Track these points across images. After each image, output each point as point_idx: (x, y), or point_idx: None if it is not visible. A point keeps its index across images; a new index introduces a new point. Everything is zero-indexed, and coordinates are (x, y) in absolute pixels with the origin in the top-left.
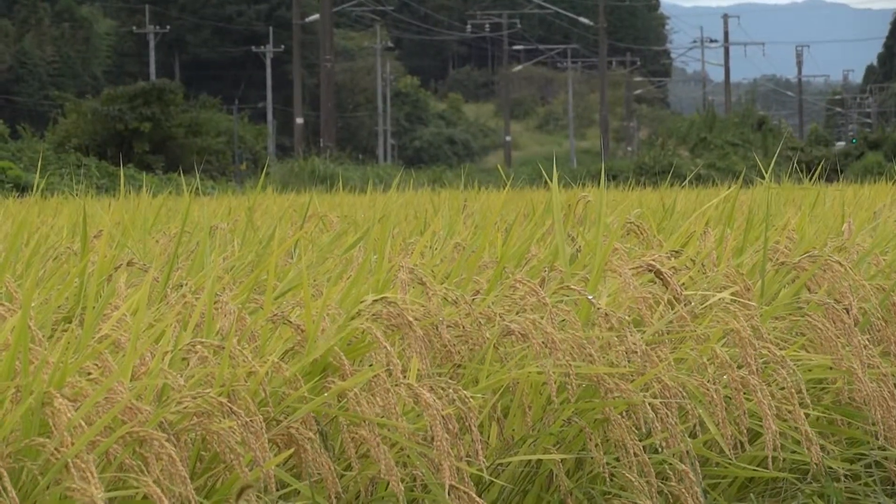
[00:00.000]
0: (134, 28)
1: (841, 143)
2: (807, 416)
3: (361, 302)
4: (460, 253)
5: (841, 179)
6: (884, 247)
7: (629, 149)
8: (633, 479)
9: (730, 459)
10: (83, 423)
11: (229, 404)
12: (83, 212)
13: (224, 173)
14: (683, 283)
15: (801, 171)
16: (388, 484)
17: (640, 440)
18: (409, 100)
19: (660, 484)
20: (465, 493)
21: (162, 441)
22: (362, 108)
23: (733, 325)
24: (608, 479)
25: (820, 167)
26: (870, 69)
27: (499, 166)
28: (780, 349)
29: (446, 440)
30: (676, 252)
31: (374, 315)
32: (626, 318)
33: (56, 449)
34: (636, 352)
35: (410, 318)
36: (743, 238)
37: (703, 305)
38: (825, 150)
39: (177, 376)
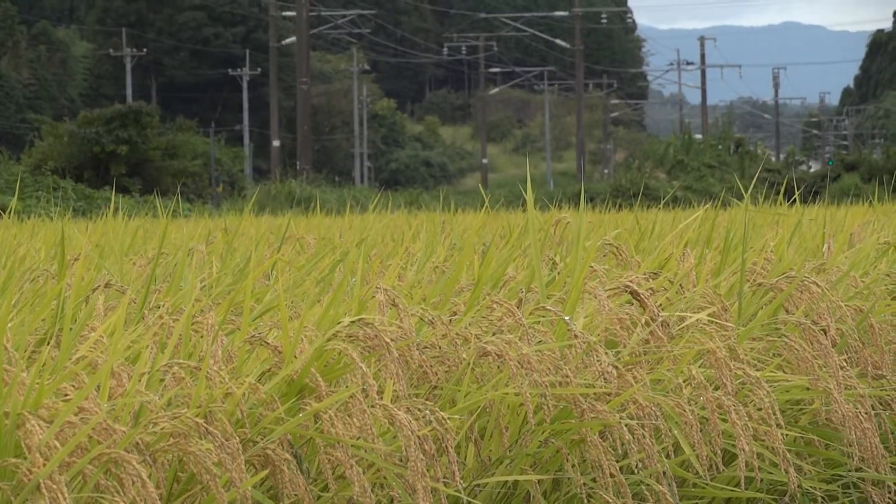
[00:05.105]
0: (111, 51)
1: (811, 167)
2: (784, 436)
3: (338, 323)
4: (438, 275)
5: (819, 201)
6: (862, 268)
7: (606, 171)
8: (610, 500)
9: (707, 481)
10: (57, 444)
11: (206, 425)
12: (61, 234)
13: (201, 196)
14: (661, 304)
15: (780, 194)
16: None
17: (617, 461)
18: (385, 122)
19: None
20: None
21: (133, 463)
22: (339, 130)
23: (709, 346)
24: (585, 500)
25: (796, 189)
26: (846, 91)
27: (480, 187)
28: (757, 370)
29: (421, 461)
30: (654, 273)
31: (350, 336)
32: (593, 338)
33: (28, 469)
34: (608, 372)
35: (387, 340)
36: (721, 259)
37: (681, 326)
38: (803, 172)
39: (154, 397)
